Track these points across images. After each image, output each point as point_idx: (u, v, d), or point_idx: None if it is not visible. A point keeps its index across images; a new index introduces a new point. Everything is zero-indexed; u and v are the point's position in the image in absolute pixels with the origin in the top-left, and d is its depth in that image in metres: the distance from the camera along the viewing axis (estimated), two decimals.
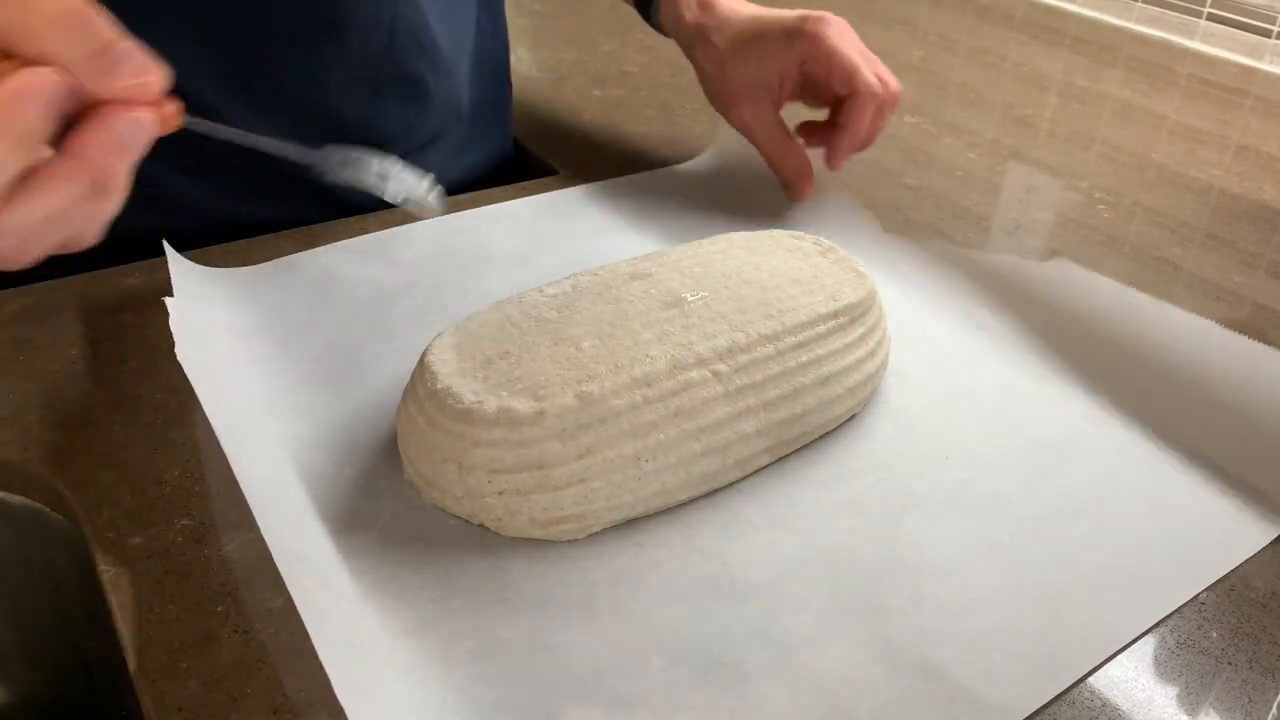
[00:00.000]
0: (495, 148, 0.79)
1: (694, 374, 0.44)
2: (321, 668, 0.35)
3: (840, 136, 0.65)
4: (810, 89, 0.67)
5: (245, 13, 0.58)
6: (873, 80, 0.64)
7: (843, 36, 0.64)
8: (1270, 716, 0.37)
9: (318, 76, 0.62)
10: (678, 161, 0.75)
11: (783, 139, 0.67)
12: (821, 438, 0.48)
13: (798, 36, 0.64)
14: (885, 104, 0.65)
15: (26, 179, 0.32)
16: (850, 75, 0.63)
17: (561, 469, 0.41)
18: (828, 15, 0.64)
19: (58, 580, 0.48)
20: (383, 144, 0.67)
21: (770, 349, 0.46)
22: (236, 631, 0.38)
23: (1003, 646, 0.38)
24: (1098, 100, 0.95)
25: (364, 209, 0.65)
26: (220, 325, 0.52)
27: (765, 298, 0.48)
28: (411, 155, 0.70)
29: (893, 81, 0.65)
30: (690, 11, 0.69)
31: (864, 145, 0.66)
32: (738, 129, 0.69)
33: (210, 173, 0.62)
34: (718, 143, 0.76)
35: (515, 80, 0.81)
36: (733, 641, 0.38)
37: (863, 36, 0.68)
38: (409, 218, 0.63)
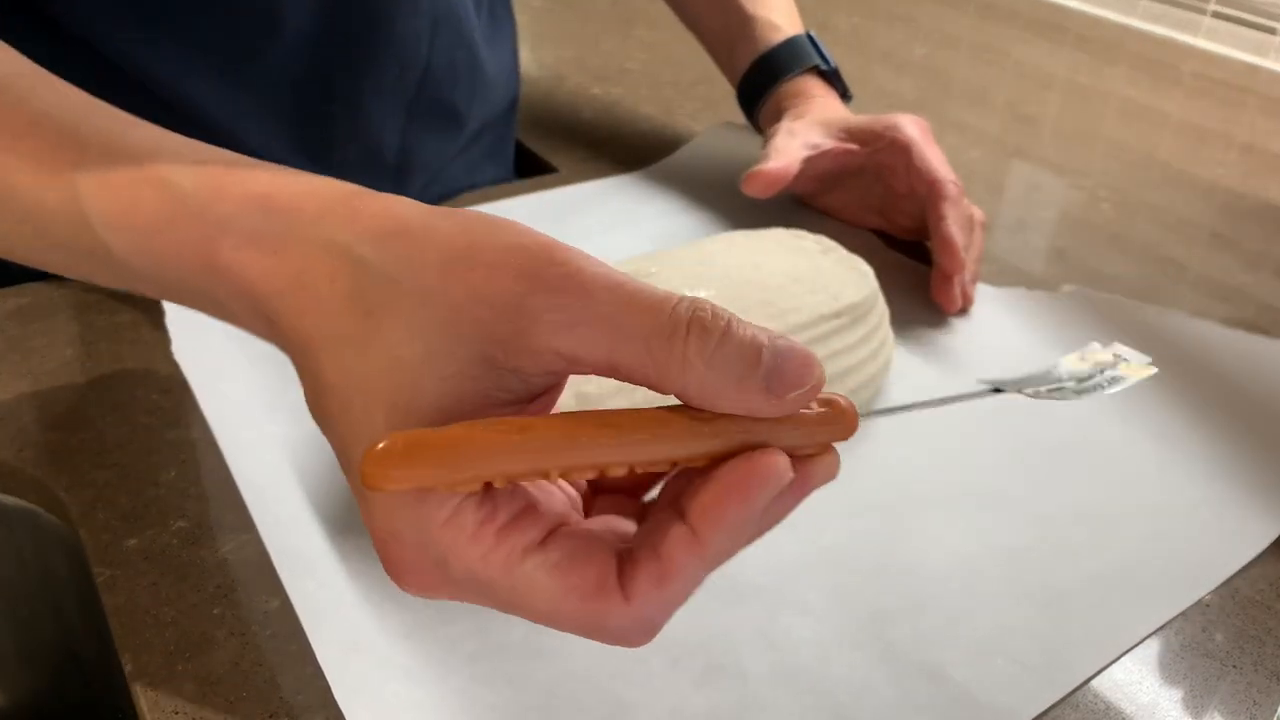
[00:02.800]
0: (500, 167, 0.78)
1: None
2: (319, 670, 0.35)
3: (939, 253, 0.58)
4: (890, 204, 0.64)
5: (292, 49, 0.57)
6: (951, 174, 0.60)
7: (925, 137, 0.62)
8: (1275, 719, 0.37)
9: (363, 110, 0.62)
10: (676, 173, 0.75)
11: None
12: None
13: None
14: (973, 217, 0.60)
15: None
16: (928, 166, 0.60)
17: None
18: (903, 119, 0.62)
19: (53, 582, 0.48)
20: (414, 171, 0.67)
21: None
22: (233, 634, 0.38)
23: (1005, 650, 0.38)
24: (1101, 98, 0.94)
25: None
26: (217, 324, 0.52)
27: (767, 297, 0.47)
28: (436, 177, 0.70)
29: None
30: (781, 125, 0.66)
31: (961, 260, 0.58)
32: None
33: None
34: (709, 131, 0.76)
35: None
36: (733, 643, 0.38)
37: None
38: None
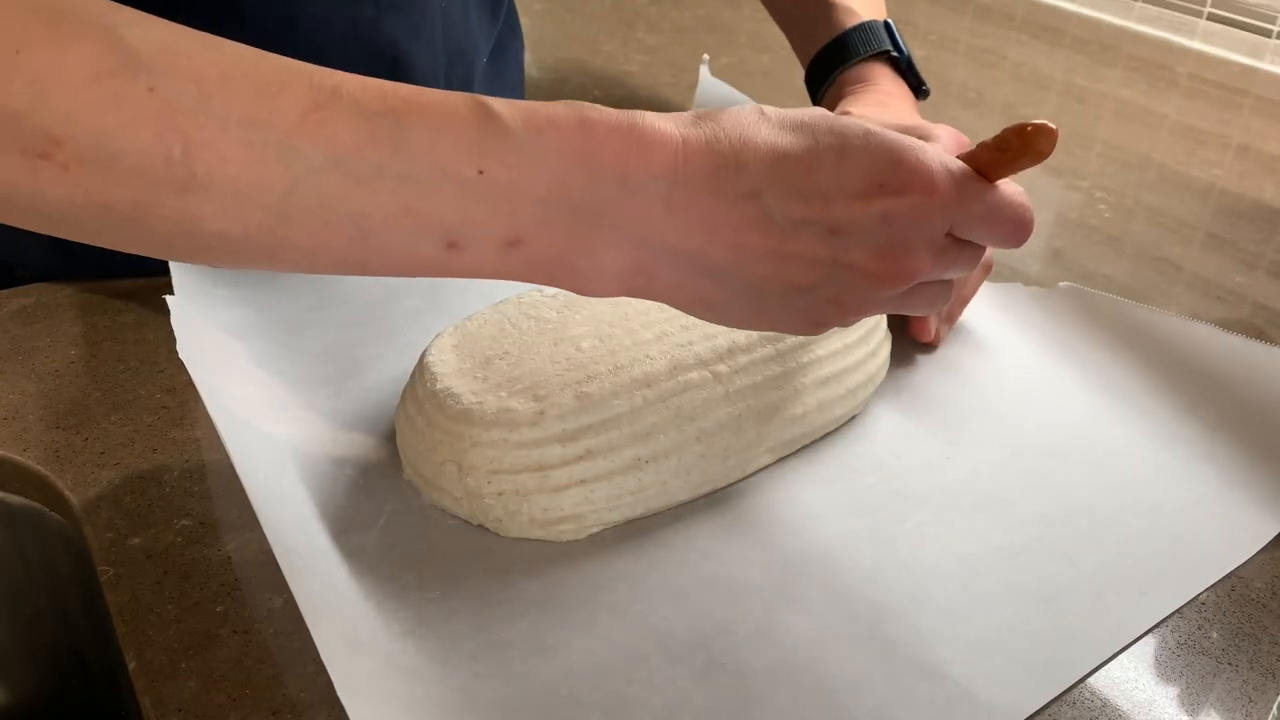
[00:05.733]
0: None
1: (694, 375, 0.44)
2: (321, 668, 0.35)
3: None
4: None
5: None
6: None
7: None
8: (1271, 717, 0.37)
9: None
10: None
11: None
12: (822, 438, 0.48)
13: None
14: None
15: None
16: None
17: (561, 470, 0.41)
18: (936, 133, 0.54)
19: (57, 580, 0.48)
20: None
21: (770, 349, 0.46)
22: (236, 631, 0.38)
23: (1003, 647, 0.38)
24: (1098, 100, 0.95)
25: None
26: (220, 324, 0.52)
27: None
28: None
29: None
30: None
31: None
32: None
33: None
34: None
35: None
36: (732, 642, 0.38)
37: None
38: None
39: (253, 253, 0.32)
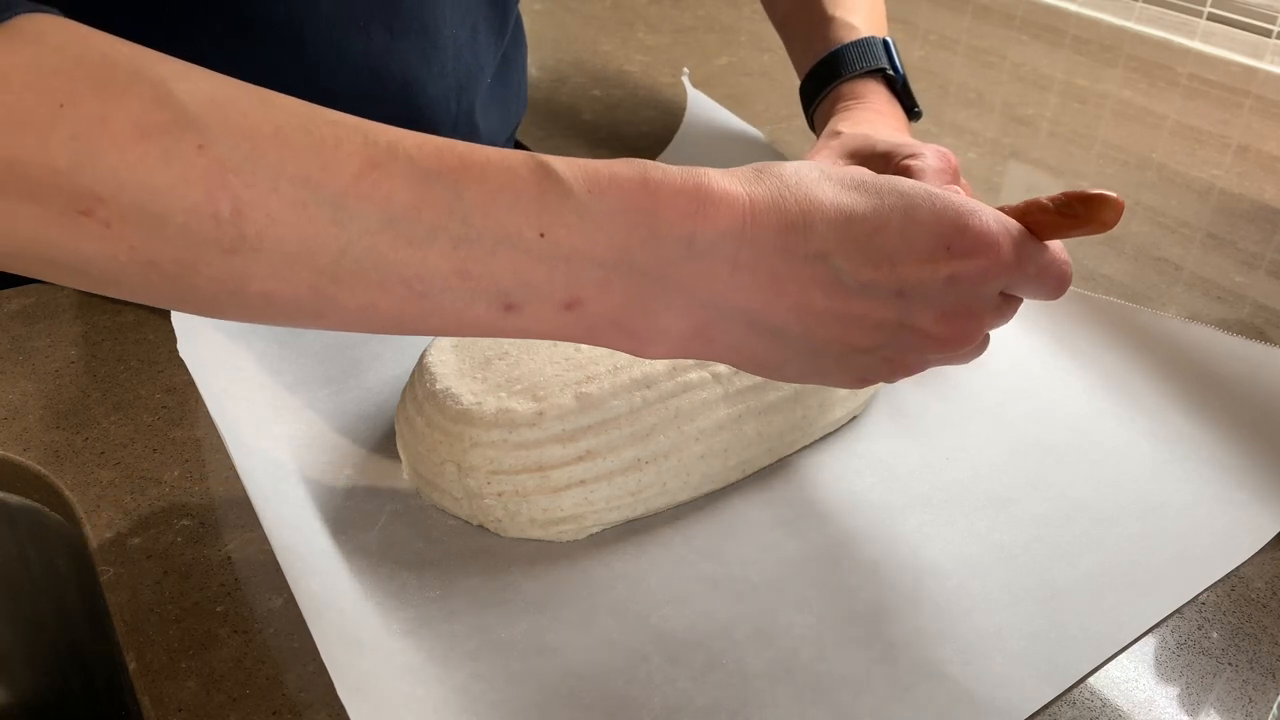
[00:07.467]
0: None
1: (694, 375, 0.44)
2: (322, 667, 0.35)
3: None
4: None
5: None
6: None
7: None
8: (1271, 717, 0.37)
9: None
10: (678, 165, 0.75)
11: None
12: (822, 438, 0.48)
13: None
14: None
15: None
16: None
17: (561, 471, 0.41)
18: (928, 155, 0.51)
19: (57, 580, 0.48)
20: None
21: None
22: (236, 631, 0.38)
23: (1003, 647, 0.38)
24: (1098, 100, 0.95)
25: None
26: (221, 324, 0.52)
27: None
28: None
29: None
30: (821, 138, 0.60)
31: None
32: None
33: None
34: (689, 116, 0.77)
35: None
36: (732, 641, 0.38)
37: None
38: None
39: (300, 313, 0.31)
